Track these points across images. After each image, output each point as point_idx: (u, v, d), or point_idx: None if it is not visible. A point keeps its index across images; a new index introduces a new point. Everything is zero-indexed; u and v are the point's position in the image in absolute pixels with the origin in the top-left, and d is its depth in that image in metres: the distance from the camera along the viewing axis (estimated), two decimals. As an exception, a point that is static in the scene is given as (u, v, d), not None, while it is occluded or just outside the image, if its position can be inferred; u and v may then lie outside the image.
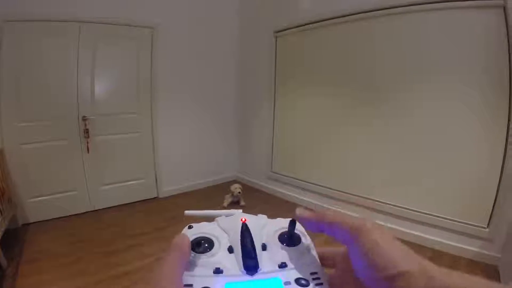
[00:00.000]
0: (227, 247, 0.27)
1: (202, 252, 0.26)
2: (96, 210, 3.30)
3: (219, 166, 4.46)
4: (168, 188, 3.87)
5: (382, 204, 2.83)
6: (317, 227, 0.27)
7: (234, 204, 3.54)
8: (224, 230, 0.29)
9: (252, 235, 0.27)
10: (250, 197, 3.75)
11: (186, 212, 0.34)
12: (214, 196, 3.86)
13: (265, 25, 3.77)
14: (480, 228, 2.31)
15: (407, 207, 2.69)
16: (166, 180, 3.85)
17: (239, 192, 3.49)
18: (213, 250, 0.27)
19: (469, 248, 2.39)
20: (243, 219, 0.29)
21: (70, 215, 3.12)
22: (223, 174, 4.52)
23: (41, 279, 2.06)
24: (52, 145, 2.96)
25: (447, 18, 2.30)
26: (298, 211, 0.29)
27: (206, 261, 0.26)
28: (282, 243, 0.28)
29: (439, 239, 2.53)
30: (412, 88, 2.54)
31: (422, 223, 2.61)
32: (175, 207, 3.51)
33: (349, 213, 2.93)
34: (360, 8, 2.74)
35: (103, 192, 3.36)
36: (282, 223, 0.30)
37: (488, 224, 2.28)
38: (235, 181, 4.28)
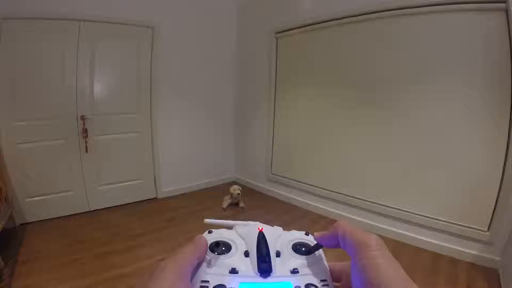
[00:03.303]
0: (244, 251, 0.28)
1: (220, 254, 0.28)
2: (94, 211, 3.28)
3: (218, 167, 4.46)
4: (166, 189, 3.86)
5: (381, 206, 2.83)
6: (334, 241, 0.28)
7: (233, 206, 3.53)
8: (241, 237, 0.30)
9: (268, 242, 0.29)
10: (249, 199, 3.74)
11: (206, 220, 0.35)
12: (213, 197, 3.83)
13: (265, 25, 3.76)
14: (480, 231, 2.31)
15: (406, 210, 2.68)
16: (165, 181, 3.84)
17: (238, 194, 3.47)
18: (230, 253, 0.28)
19: (469, 251, 2.38)
20: (260, 228, 0.30)
21: (67, 215, 3.10)
22: (223, 175, 4.51)
23: (37, 279, 2.04)
24: (50, 144, 2.94)
25: (449, 20, 2.30)
26: (317, 234, 0.30)
27: (223, 261, 0.27)
28: (296, 252, 0.29)
29: (438, 242, 2.53)
30: (414, 89, 2.54)
31: (421, 226, 2.60)
32: (174, 208, 3.49)
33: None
34: (362, 10, 2.74)
35: (101, 192, 3.34)
36: (297, 235, 0.31)
37: (489, 227, 2.27)
38: (234, 183, 4.26)
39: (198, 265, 0.26)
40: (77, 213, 3.17)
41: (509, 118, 2.11)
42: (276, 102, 3.80)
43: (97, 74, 3.11)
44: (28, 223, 2.89)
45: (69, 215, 3.11)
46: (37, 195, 2.93)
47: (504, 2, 2.01)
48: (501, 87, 2.12)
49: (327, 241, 0.29)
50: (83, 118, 3.04)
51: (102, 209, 3.34)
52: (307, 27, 3.28)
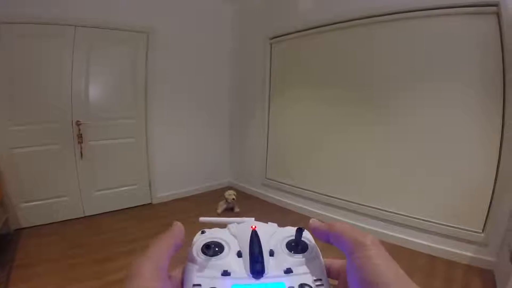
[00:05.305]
0: (236, 251, 0.28)
1: (212, 255, 0.27)
2: (89, 216, 3.26)
3: (213, 173, 4.45)
4: (161, 194, 3.84)
5: (377, 210, 2.84)
6: (326, 237, 0.29)
7: (228, 211, 3.52)
8: (234, 236, 0.30)
9: (261, 241, 0.28)
10: (244, 204, 3.73)
11: (201, 219, 0.35)
12: (208, 202, 3.83)
13: (260, 31, 3.79)
14: (475, 233, 2.32)
15: (401, 213, 2.69)
16: (160, 186, 3.82)
17: (233, 199, 3.47)
18: (222, 254, 0.28)
19: (464, 253, 2.39)
20: (253, 226, 0.30)
21: (63, 221, 3.08)
22: (218, 180, 4.50)
23: (34, 284, 2.02)
24: (45, 149, 2.92)
25: (443, 24, 2.33)
26: (312, 220, 0.30)
27: (215, 263, 0.27)
28: (290, 250, 0.29)
29: (433, 245, 2.53)
30: (408, 92, 2.57)
31: (417, 228, 2.61)
32: (169, 213, 3.48)
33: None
34: (357, 14, 2.77)
35: (96, 198, 3.32)
36: (291, 231, 0.30)
37: (483, 228, 2.29)
38: (229, 188, 4.26)
39: (176, 251, 0.27)
40: (72, 219, 3.15)
41: (501, 119, 2.14)
42: (271, 106, 3.82)
43: (92, 79, 3.10)
44: (23, 228, 2.86)
45: (64, 221, 3.09)
46: (32, 200, 2.91)
47: (496, 6, 2.06)
48: (494, 88, 2.15)
49: (319, 233, 0.29)
50: (78, 123, 3.03)
51: (97, 214, 3.32)
52: (301, 32, 3.31)
